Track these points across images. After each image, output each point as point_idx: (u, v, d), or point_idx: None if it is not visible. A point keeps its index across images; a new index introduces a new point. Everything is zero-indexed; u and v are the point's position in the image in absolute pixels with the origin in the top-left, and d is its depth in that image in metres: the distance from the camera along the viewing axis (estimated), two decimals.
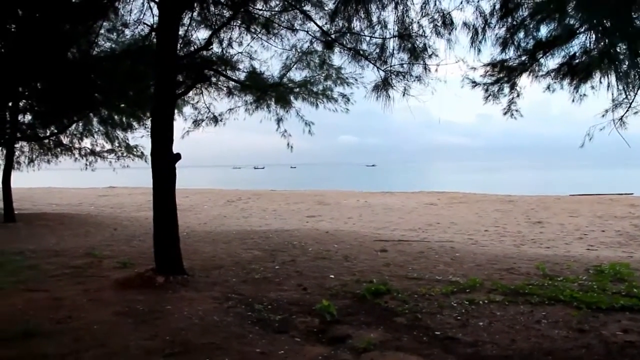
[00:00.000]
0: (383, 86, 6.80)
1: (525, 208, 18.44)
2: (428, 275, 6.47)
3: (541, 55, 6.38)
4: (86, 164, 15.56)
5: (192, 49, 7.50)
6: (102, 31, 8.43)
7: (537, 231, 12.65)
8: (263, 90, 8.35)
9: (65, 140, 15.31)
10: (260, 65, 8.25)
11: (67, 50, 8.13)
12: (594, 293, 5.21)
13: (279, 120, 8.75)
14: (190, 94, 8.93)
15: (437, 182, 54.03)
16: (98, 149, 15.35)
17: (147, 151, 13.48)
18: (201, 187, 39.04)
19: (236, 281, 6.07)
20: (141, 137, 14.33)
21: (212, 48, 7.53)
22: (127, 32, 8.23)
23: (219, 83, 8.68)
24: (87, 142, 15.32)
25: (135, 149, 15.22)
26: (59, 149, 15.58)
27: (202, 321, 4.35)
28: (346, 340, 3.91)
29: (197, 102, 9.33)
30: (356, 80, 8.01)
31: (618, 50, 4.69)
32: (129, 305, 4.76)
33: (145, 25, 7.65)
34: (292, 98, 8.57)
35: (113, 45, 8.93)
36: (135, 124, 13.84)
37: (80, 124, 14.56)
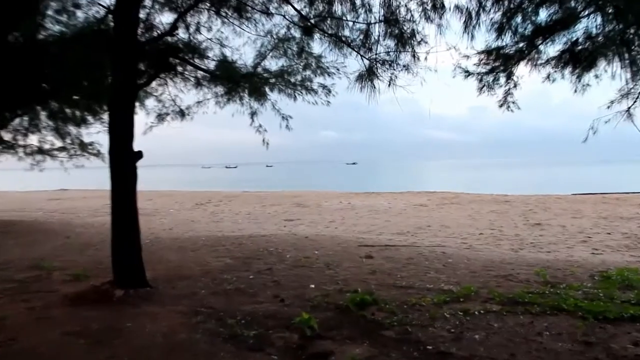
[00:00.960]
0: (368, 76, 6.82)
1: (523, 209, 18.77)
2: (418, 283, 6.52)
3: (540, 42, 6.44)
4: (33, 164, 15.17)
5: (155, 34, 7.40)
6: (49, 12, 8.25)
7: (536, 234, 12.87)
8: (235, 81, 8.30)
9: (6, 136, 14.88)
10: (231, 53, 8.20)
11: (7, 33, 7.93)
12: (601, 302, 5.26)
13: (253, 114, 8.71)
14: (153, 84, 8.81)
15: (426, 181, 54.59)
16: (47, 146, 14.96)
17: (104, 149, 13.22)
18: (166, 189, 38.69)
19: (206, 293, 6.01)
20: (97, 133, 14.03)
21: (177, 33, 7.44)
22: (80, 13, 8.08)
23: (186, 73, 8.58)
24: (33, 139, 14.95)
25: (90, 147, 14.91)
26: None
27: (167, 339, 4.28)
28: (329, 357, 3.90)
29: (161, 93, 9.23)
30: (338, 70, 8.02)
31: (629, 34, 4.73)
32: (81, 324, 4.66)
33: (101, 7, 7.53)
34: (267, 89, 8.54)
35: (63, 29, 8.73)
36: (90, 118, 13.53)
37: (25, 119, 14.17)
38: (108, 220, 6.23)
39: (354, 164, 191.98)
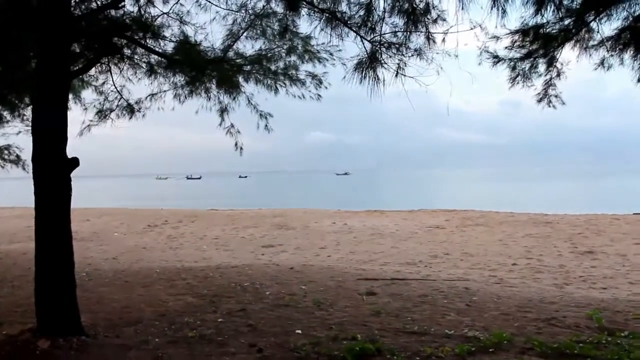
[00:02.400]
0: (369, 63, 6.84)
1: (570, 232, 18.90)
2: (434, 328, 6.50)
3: (593, 18, 6.47)
4: None
5: (94, 5, 7.40)
6: None
7: (587, 265, 12.95)
8: (199, 68, 8.29)
9: None
10: (195, 32, 8.19)
11: None
12: None
13: (223, 111, 8.71)
14: (93, 71, 8.79)
15: (444, 196, 55.02)
16: None
17: (26, 154, 13.08)
18: (109, 206, 38.54)
19: (161, 342, 5.95)
20: (17, 134, 13.85)
21: (124, 6, 7.44)
22: None
23: (136, 57, 8.57)
24: None
25: (6, 152, 14.77)
26: None
27: None
28: None
29: (104, 83, 9.20)
30: (332, 55, 8.06)
31: None
32: None
33: None
34: (241, 79, 8.56)
35: None
36: (6, 114, 13.43)
37: None
38: (30, 247, 6.17)
39: (345, 174, 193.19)
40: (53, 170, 5.92)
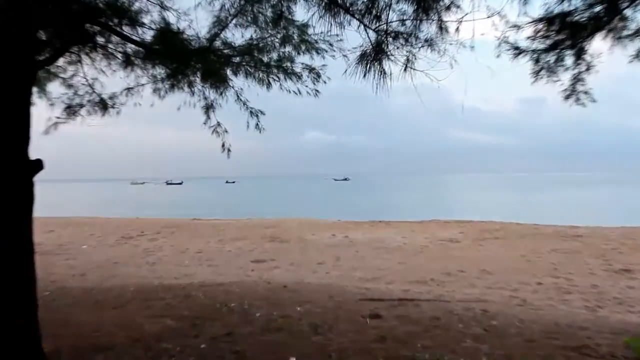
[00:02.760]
0: (374, 55, 6.85)
1: (603, 247, 18.88)
2: (448, 357, 6.50)
3: (627, 4, 6.49)
4: None
5: None
6: None
7: (623, 285, 12.91)
8: (182, 59, 8.28)
9: None
10: (177, 18, 8.20)
11: None
12: None
13: (209, 108, 8.71)
14: (61, 62, 8.78)
15: (458, 205, 54.87)
16: None
17: None
18: (78, 215, 38.47)
19: None
20: None
21: None
22: None
23: (110, 46, 8.56)
24: None
25: None
26: None
27: None
28: None
29: (73, 75, 9.18)
30: (331, 46, 8.06)
31: None
32: None
33: None
34: (229, 72, 8.56)
35: None
36: None
37: None
38: None
39: (345, 179, 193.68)
40: (13, 173, 5.90)
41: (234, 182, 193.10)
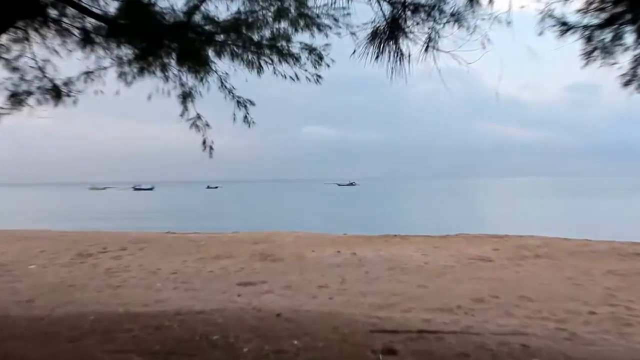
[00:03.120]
0: (389, 33, 6.84)
1: None
2: None
3: None
4: None
5: None
6: None
7: None
8: (154, 37, 8.29)
9: None
10: None
11: None
12: None
13: (186, 97, 8.71)
14: (4, 39, 8.78)
15: (492, 216, 54.85)
16: None
17: None
18: (25, 227, 38.38)
19: None
20: None
21: None
22: None
23: (65, 20, 8.58)
24: None
25: None
26: None
27: None
28: None
29: (19, 56, 9.18)
30: (336, 21, 8.06)
31: None
32: None
33: None
34: (211, 53, 8.56)
35: None
36: None
37: None
38: None
39: (351, 184, 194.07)
40: None
41: (217, 187, 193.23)
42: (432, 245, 25.51)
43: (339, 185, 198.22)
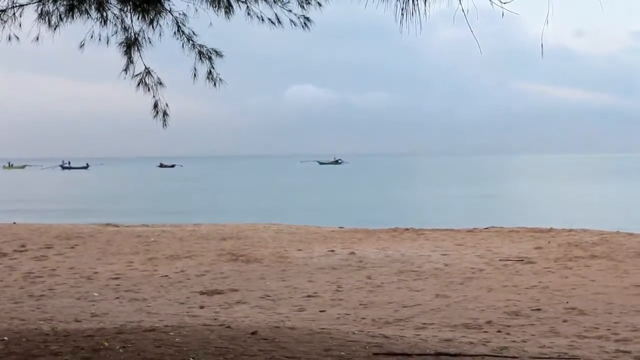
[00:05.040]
0: None
1: None
2: None
3: None
4: None
5: None
6: None
7: None
8: None
9: None
10: None
11: None
12: None
13: (131, 46, 8.65)
14: None
15: (533, 205, 54.87)
16: None
17: None
18: None
19: None
20: None
21: None
22: None
23: None
24: None
25: None
26: None
27: None
28: None
29: None
30: None
31: None
32: None
33: None
34: None
35: None
36: None
37: None
38: None
39: (336, 162, 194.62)
40: None
41: (173, 165, 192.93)
42: (455, 241, 25.64)
43: (321, 163, 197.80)
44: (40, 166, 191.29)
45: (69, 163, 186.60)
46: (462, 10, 6.61)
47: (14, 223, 35.03)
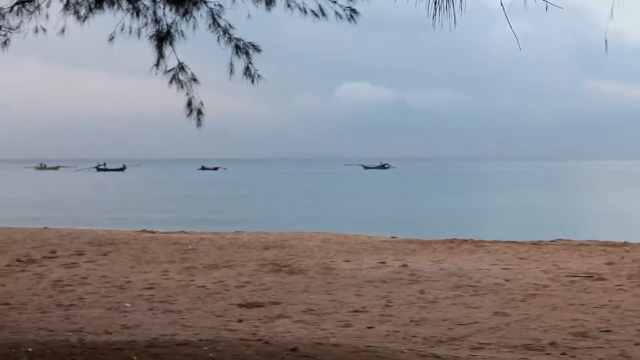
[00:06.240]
0: None
1: None
2: None
3: None
4: None
5: None
6: None
7: None
8: None
9: None
10: None
11: None
12: None
13: (163, 39, 8.69)
14: None
15: (605, 217, 54.37)
16: None
17: None
18: None
19: None
20: None
21: None
22: None
23: None
24: None
25: None
26: None
27: None
28: None
29: None
30: None
31: None
32: None
33: None
34: None
35: None
36: None
37: None
38: None
39: (383, 166, 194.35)
40: None
41: (215, 168, 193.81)
42: (518, 255, 25.45)
43: (366, 167, 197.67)
44: (75, 167, 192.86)
45: (105, 164, 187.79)
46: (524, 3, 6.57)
47: (45, 228, 35.47)
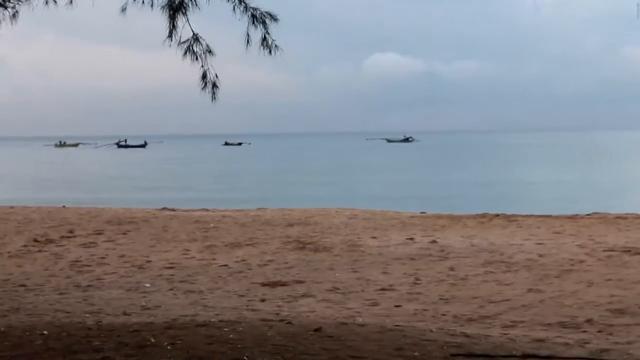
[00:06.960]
0: None
1: None
2: None
3: None
4: None
5: None
6: None
7: None
8: None
9: None
10: None
11: None
12: None
13: (176, 10, 8.63)
14: None
15: None
16: None
17: None
18: None
19: None
20: None
21: None
22: None
23: None
24: None
25: None
26: None
27: None
28: None
29: None
30: None
31: None
32: None
33: None
34: None
35: None
36: None
37: None
38: None
39: (406, 140, 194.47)
40: None
41: (240, 143, 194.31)
42: (552, 229, 25.33)
43: (389, 141, 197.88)
44: (95, 144, 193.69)
45: (125, 141, 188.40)
46: None
47: (63, 206, 35.51)
